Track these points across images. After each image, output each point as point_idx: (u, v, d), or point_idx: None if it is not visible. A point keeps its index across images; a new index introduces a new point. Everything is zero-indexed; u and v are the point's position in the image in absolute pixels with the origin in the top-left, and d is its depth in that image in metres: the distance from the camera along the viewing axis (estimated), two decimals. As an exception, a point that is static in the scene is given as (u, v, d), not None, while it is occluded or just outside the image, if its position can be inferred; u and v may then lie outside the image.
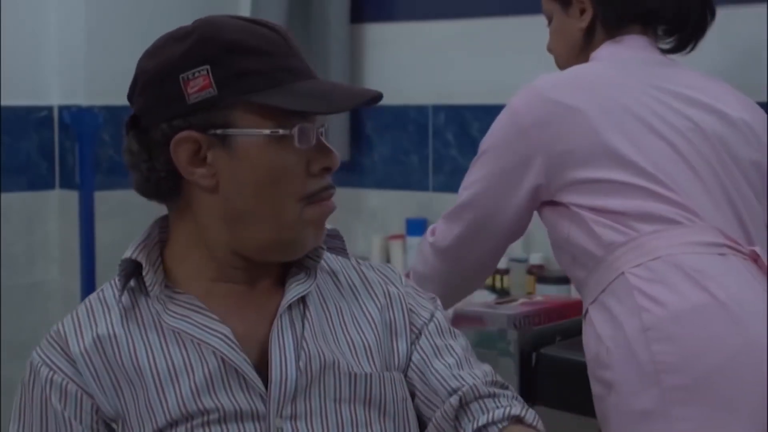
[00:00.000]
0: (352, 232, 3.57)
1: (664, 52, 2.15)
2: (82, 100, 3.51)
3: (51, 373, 1.46)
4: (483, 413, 1.52)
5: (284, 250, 1.49)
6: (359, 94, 1.50)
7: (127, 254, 1.49)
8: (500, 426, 1.50)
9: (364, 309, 1.57)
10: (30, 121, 3.53)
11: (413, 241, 3.39)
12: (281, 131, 1.43)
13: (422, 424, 1.57)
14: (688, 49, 2.17)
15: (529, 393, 2.44)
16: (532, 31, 3.33)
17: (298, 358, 1.46)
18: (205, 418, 1.43)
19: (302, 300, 1.52)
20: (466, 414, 1.53)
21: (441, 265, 2.20)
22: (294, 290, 1.51)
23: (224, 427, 1.43)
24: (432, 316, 1.61)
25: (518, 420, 1.52)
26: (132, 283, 1.50)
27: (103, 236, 3.39)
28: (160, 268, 1.50)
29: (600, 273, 1.95)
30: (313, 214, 1.47)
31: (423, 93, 3.51)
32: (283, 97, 1.43)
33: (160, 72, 1.45)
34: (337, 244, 1.60)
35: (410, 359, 1.57)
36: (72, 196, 3.48)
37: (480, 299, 2.90)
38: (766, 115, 2.12)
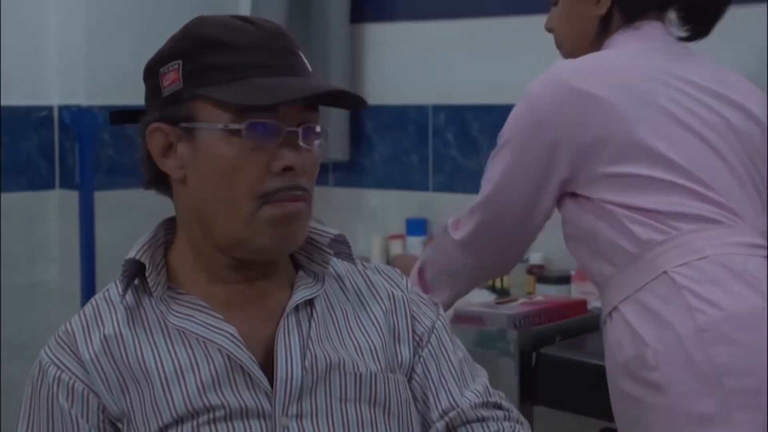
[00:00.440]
0: (352, 232, 3.57)
1: (679, 40, 2.08)
2: (82, 100, 3.51)
3: (59, 372, 1.46)
4: None
5: (246, 248, 1.46)
6: (308, 88, 1.44)
7: (131, 254, 1.49)
8: None
9: (370, 313, 1.57)
10: (30, 121, 3.53)
11: (413, 241, 3.40)
12: (232, 126, 1.42)
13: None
14: (701, 37, 2.09)
15: (529, 393, 2.44)
16: (532, 31, 3.32)
17: (303, 358, 1.47)
18: (211, 416, 1.43)
19: (310, 302, 1.52)
20: None
21: (465, 259, 2.13)
22: (302, 292, 1.51)
23: (230, 424, 1.43)
24: (434, 325, 1.61)
25: None
26: (136, 282, 1.50)
27: (103, 236, 3.39)
28: (163, 269, 1.51)
29: (635, 270, 1.88)
30: (270, 214, 1.43)
31: (423, 93, 3.51)
32: (232, 92, 1.42)
33: (149, 67, 1.49)
34: (343, 249, 1.59)
35: (413, 369, 1.57)
36: (72, 196, 3.48)
37: (480, 299, 2.90)
38: None
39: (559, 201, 2.01)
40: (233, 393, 1.44)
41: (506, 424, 1.56)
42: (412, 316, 1.59)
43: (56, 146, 3.59)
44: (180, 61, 1.44)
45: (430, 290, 2.16)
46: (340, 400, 1.48)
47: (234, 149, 1.42)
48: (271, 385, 1.45)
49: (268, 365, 1.46)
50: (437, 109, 3.49)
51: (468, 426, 1.54)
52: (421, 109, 3.52)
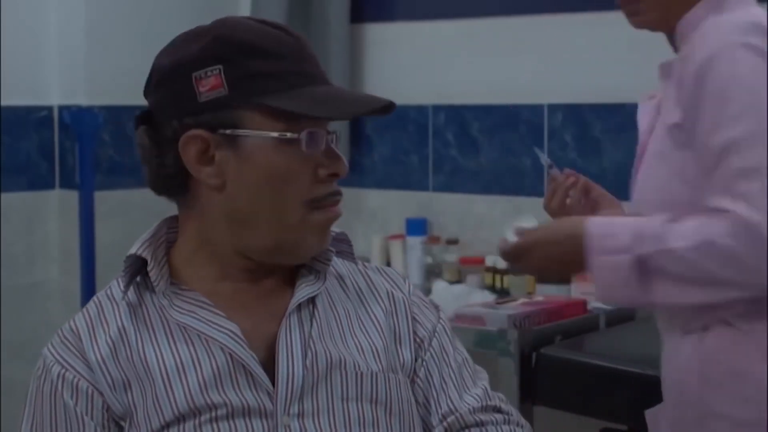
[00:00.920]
0: (352, 232, 3.55)
1: None
2: (82, 100, 3.51)
3: (63, 370, 1.46)
4: None
5: (286, 253, 1.49)
6: (370, 101, 1.50)
7: (133, 250, 1.49)
8: None
9: (371, 313, 1.57)
10: (30, 121, 3.53)
11: (413, 241, 3.40)
12: (289, 135, 1.43)
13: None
14: None
15: (529, 393, 2.44)
16: (532, 31, 3.34)
17: (305, 357, 1.47)
18: (213, 414, 1.43)
19: (311, 301, 1.52)
20: None
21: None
22: (303, 291, 1.51)
23: (232, 423, 1.43)
24: (435, 328, 1.60)
25: None
26: (138, 279, 1.50)
27: (103, 236, 3.39)
28: (165, 265, 1.51)
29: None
30: (318, 219, 1.47)
31: (423, 93, 3.51)
32: (292, 101, 1.43)
33: (174, 69, 1.45)
34: (344, 248, 1.60)
35: (416, 373, 1.57)
36: (72, 196, 3.48)
37: (480, 299, 2.91)
38: None
39: None
40: (235, 391, 1.44)
41: (505, 427, 1.56)
42: (413, 318, 1.59)
43: (56, 146, 3.59)
44: (220, 66, 1.42)
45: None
46: (342, 399, 1.48)
47: (288, 159, 1.43)
48: (273, 383, 1.45)
49: (270, 363, 1.46)
50: (437, 109, 3.49)
51: (467, 431, 1.54)
52: (421, 109, 3.52)
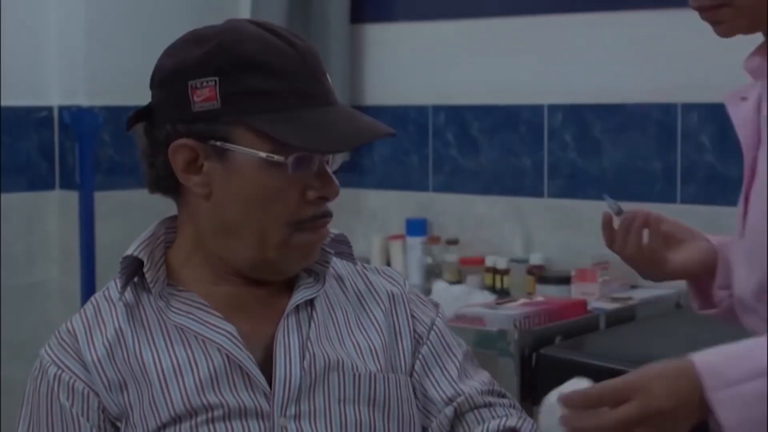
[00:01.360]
0: (352, 232, 3.56)
1: None
2: (82, 100, 3.51)
3: (59, 371, 1.46)
4: (478, 424, 1.53)
5: (267, 269, 1.48)
6: (365, 131, 1.47)
7: (129, 251, 1.49)
8: None
9: (370, 314, 1.57)
10: (30, 121, 3.53)
11: (413, 241, 3.40)
12: (276, 157, 1.42)
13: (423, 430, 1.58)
14: None
15: (529, 393, 2.44)
16: (532, 31, 3.34)
17: (302, 358, 1.47)
18: (210, 415, 1.43)
19: (310, 303, 1.52)
20: (461, 425, 1.54)
21: None
22: (302, 293, 1.51)
23: (228, 424, 1.43)
24: (433, 323, 1.60)
25: (514, 431, 1.52)
26: (135, 280, 1.50)
27: (103, 236, 3.39)
28: (162, 266, 1.51)
29: None
30: (301, 240, 1.46)
31: (423, 93, 3.51)
32: (282, 126, 1.41)
33: (173, 73, 1.45)
34: (344, 249, 1.59)
35: (414, 366, 1.57)
36: (72, 196, 3.48)
37: (480, 299, 2.90)
38: None
39: None
40: (231, 393, 1.44)
41: (513, 411, 1.56)
42: (413, 315, 1.59)
43: (56, 146, 3.59)
44: (216, 79, 1.41)
45: None
46: (339, 401, 1.48)
47: (274, 179, 1.43)
48: (270, 385, 1.45)
49: (267, 365, 1.46)
50: (437, 109, 3.49)
51: (476, 411, 1.54)
52: (421, 109, 3.52)
